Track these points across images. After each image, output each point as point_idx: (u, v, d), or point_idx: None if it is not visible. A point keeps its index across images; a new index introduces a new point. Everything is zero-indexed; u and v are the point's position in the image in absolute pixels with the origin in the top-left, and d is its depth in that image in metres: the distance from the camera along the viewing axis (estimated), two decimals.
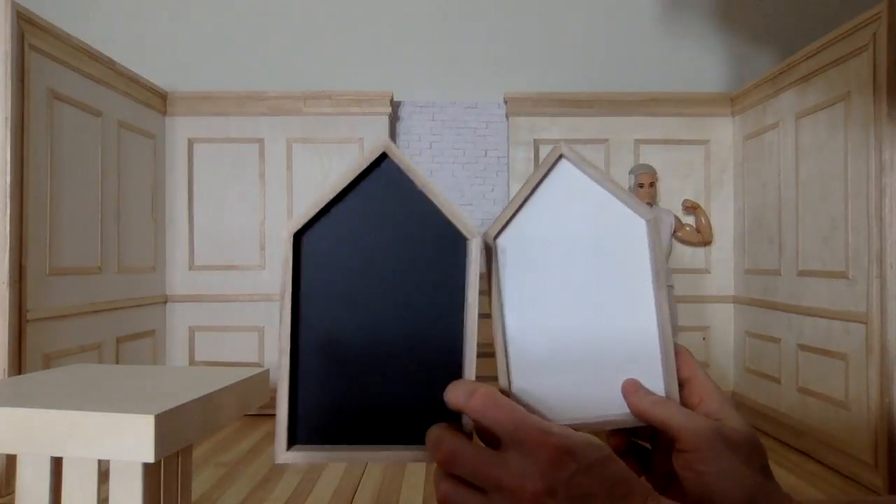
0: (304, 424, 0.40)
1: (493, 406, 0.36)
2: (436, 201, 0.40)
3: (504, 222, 0.42)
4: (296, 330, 0.40)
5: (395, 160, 0.40)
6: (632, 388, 0.40)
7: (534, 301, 0.42)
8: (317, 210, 0.41)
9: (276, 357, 2.93)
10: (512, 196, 2.78)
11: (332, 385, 0.40)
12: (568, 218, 0.43)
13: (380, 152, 0.40)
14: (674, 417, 0.38)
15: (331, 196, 0.41)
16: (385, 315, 0.41)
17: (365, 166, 0.40)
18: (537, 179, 0.43)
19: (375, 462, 0.40)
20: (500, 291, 0.42)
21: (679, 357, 0.41)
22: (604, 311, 0.42)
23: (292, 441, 0.39)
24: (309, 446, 0.39)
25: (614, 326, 0.42)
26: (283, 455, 0.39)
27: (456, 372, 0.40)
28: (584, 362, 0.42)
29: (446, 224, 0.40)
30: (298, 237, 0.41)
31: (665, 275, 0.41)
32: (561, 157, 0.43)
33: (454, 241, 0.41)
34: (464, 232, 0.40)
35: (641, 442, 0.45)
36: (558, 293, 0.42)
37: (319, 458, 0.40)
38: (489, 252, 0.42)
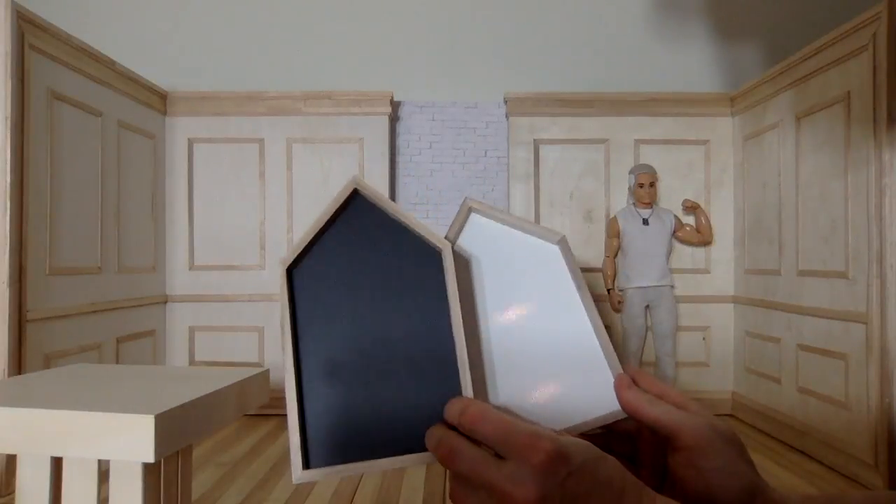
0: (317, 445, 0.42)
1: (481, 421, 0.37)
2: (406, 222, 0.44)
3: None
4: (298, 357, 0.43)
5: (365, 194, 0.45)
6: (625, 384, 0.41)
7: (476, 333, 0.46)
8: (304, 245, 0.44)
9: (276, 357, 2.91)
10: (511, 197, 2.78)
11: (338, 405, 0.42)
12: (490, 261, 0.47)
13: (351, 189, 0.45)
14: (670, 414, 0.39)
15: (315, 231, 0.44)
16: (379, 333, 0.43)
17: (340, 202, 0.44)
18: (454, 234, 0.48)
19: (384, 470, 0.42)
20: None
21: (641, 379, 0.43)
22: (542, 328, 0.46)
23: (307, 462, 0.42)
24: (323, 466, 0.42)
25: (553, 335, 0.46)
26: (300, 475, 0.42)
27: (451, 377, 0.42)
28: (534, 374, 0.45)
29: (420, 241, 0.44)
30: (290, 272, 0.44)
31: (584, 282, 0.47)
32: (470, 210, 0.48)
33: (430, 256, 0.44)
34: (435, 244, 0.44)
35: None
36: (499, 323, 0.46)
37: (333, 476, 0.42)
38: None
